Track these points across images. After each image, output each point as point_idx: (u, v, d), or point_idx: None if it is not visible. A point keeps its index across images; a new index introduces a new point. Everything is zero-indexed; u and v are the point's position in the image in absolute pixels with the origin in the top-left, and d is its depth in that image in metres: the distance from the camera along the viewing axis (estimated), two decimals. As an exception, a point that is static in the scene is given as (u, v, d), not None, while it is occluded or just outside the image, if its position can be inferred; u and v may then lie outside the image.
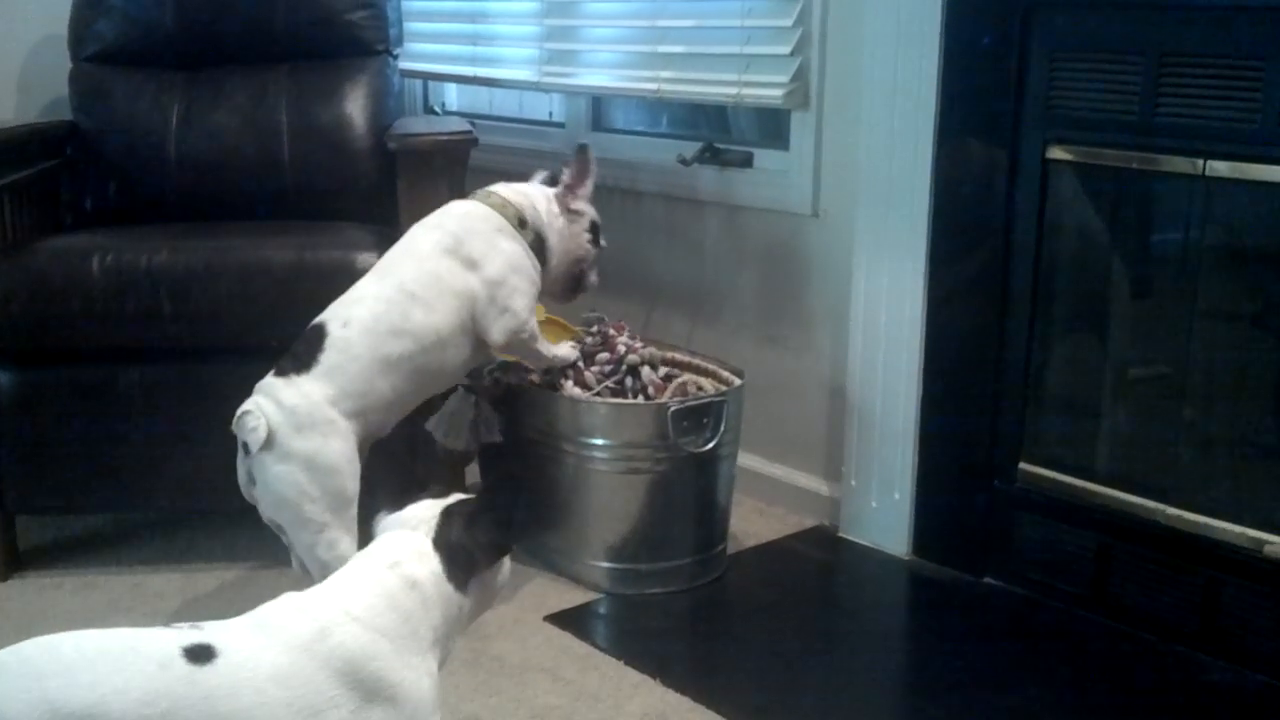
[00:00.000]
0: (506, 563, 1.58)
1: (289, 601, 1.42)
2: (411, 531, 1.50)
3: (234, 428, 2.02)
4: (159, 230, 2.57)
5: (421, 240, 2.21)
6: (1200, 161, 2.03)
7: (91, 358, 2.40)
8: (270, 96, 2.88)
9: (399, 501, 1.55)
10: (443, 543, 1.48)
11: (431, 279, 2.16)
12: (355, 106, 2.88)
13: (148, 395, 2.40)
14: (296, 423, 1.98)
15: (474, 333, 2.20)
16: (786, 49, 2.58)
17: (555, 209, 2.34)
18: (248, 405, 2.04)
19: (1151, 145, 2.09)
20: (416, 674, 1.41)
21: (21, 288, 2.36)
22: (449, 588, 1.47)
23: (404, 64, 3.32)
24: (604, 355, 2.47)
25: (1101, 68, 2.14)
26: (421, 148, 2.39)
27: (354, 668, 1.36)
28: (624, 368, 2.45)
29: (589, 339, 2.51)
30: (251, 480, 2.04)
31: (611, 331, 2.53)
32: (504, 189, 2.31)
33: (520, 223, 2.27)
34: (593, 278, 2.43)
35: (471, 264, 2.18)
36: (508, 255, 2.23)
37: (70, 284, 2.35)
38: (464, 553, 1.49)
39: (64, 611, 2.29)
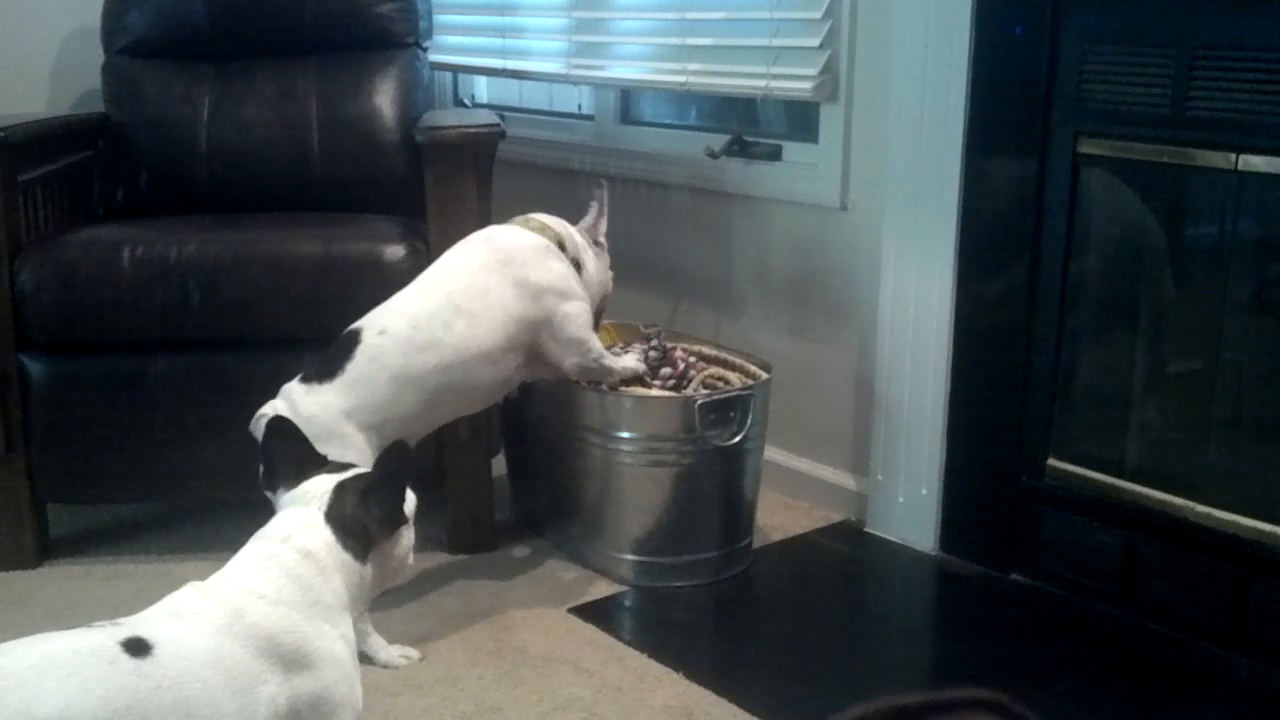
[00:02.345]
0: (406, 535, 1.63)
1: (195, 589, 1.46)
2: (304, 506, 1.55)
3: (251, 429, 2.04)
4: (189, 222, 2.58)
5: (472, 255, 2.22)
6: (1233, 156, 2.00)
7: (121, 348, 2.42)
8: (300, 89, 2.89)
9: (298, 478, 1.59)
10: (335, 515, 1.54)
11: (480, 293, 2.16)
12: (384, 99, 2.89)
13: (176, 385, 2.42)
14: (312, 433, 1.97)
15: (521, 350, 2.21)
16: (815, 41, 2.57)
17: (584, 240, 2.37)
18: (265, 408, 2.06)
19: (1183, 139, 2.06)
20: (329, 639, 1.48)
21: (52, 279, 2.38)
22: (347, 557, 1.54)
23: (434, 56, 3.33)
24: (667, 370, 2.47)
25: (1133, 60, 2.11)
26: (448, 140, 2.39)
27: (272, 643, 1.42)
28: (686, 383, 2.45)
29: (652, 353, 2.51)
30: None
31: (669, 345, 2.54)
32: (539, 216, 2.33)
33: (561, 246, 2.28)
34: (602, 312, 2.47)
35: (524, 284, 2.19)
36: (557, 278, 2.23)
37: (100, 275, 2.38)
38: (357, 525, 1.55)
39: (93, 599, 2.31)
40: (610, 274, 2.46)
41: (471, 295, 2.16)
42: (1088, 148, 2.21)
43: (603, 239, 2.43)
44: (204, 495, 2.55)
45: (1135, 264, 2.32)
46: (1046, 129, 2.24)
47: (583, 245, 2.36)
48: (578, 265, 2.31)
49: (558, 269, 2.24)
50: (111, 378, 2.43)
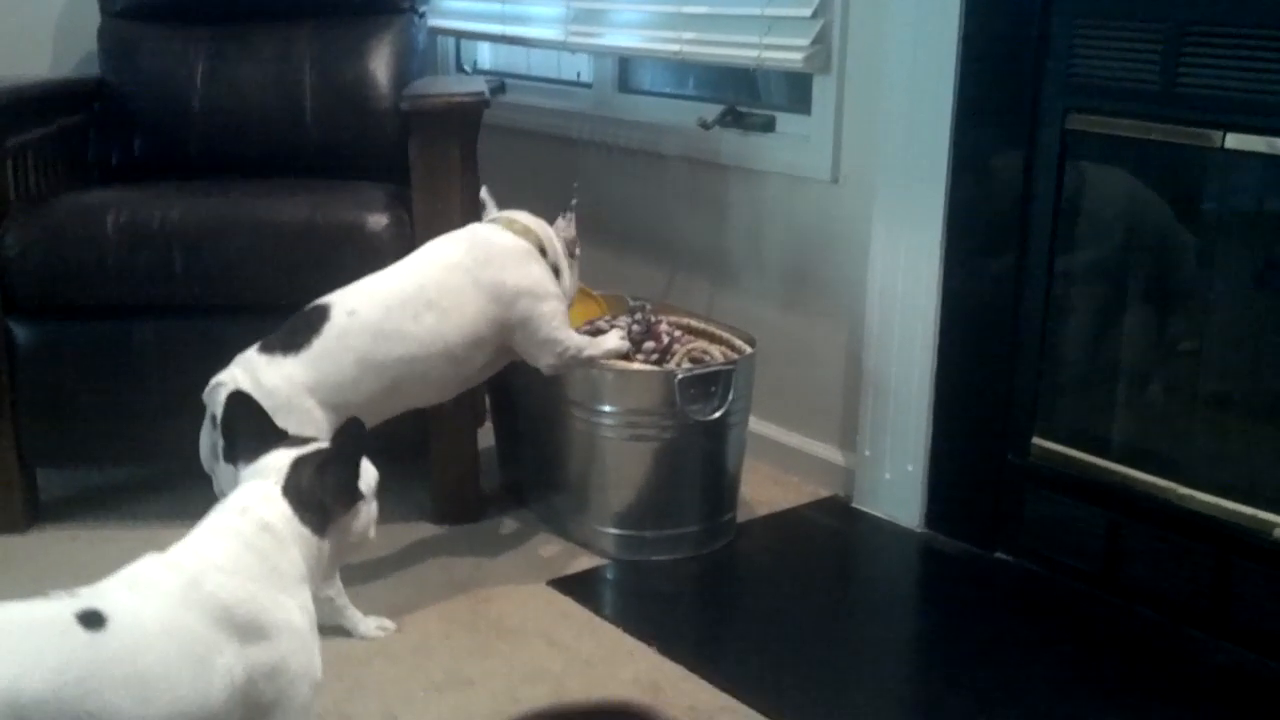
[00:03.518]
0: (365, 510, 1.63)
1: (153, 560, 1.46)
2: (262, 480, 1.56)
3: (205, 397, 2.02)
4: (176, 187, 2.58)
5: (451, 251, 2.20)
6: (1220, 134, 1.97)
7: (106, 313, 2.42)
8: (294, 53, 2.88)
9: (258, 451, 1.60)
10: (292, 488, 1.55)
11: (453, 290, 2.15)
12: (378, 64, 2.87)
13: (161, 351, 2.42)
14: (273, 405, 1.94)
15: (488, 349, 2.20)
16: (808, 11, 2.54)
17: (563, 248, 2.33)
18: (223, 376, 2.04)
19: (1171, 116, 2.03)
20: (287, 610, 1.48)
21: (38, 242, 2.39)
22: (305, 530, 1.54)
23: (434, 21, 3.32)
24: (650, 345, 2.45)
25: (1122, 35, 2.07)
26: (432, 108, 2.37)
27: (228, 613, 1.42)
28: (670, 356, 2.44)
29: (635, 326, 2.48)
30: (216, 455, 2.01)
31: (654, 319, 2.51)
32: (523, 217, 2.30)
33: (541, 251, 2.26)
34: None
35: (494, 291, 2.17)
36: (533, 282, 2.21)
37: (85, 240, 2.38)
38: (314, 499, 1.55)
39: (80, 563, 2.33)
40: (577, 286, 2.43)
41: (444, 291, 2.14)
42: (1077, 124, 2.17)
43: (577, 251, 2.39)
44: (189, 462, 2.55)
45: (1124, 242, 2.28)
46: (1036, 104, 2.21)
47: (562, 253, 2.32)
48: (556, 271, 2.28)
49: (536, 273, 2.22)
50: (97, 342, 2.44)
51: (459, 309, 2.14)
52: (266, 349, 2.07)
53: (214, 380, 2.04)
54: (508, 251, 2.21)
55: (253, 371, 2.03)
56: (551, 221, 2.34)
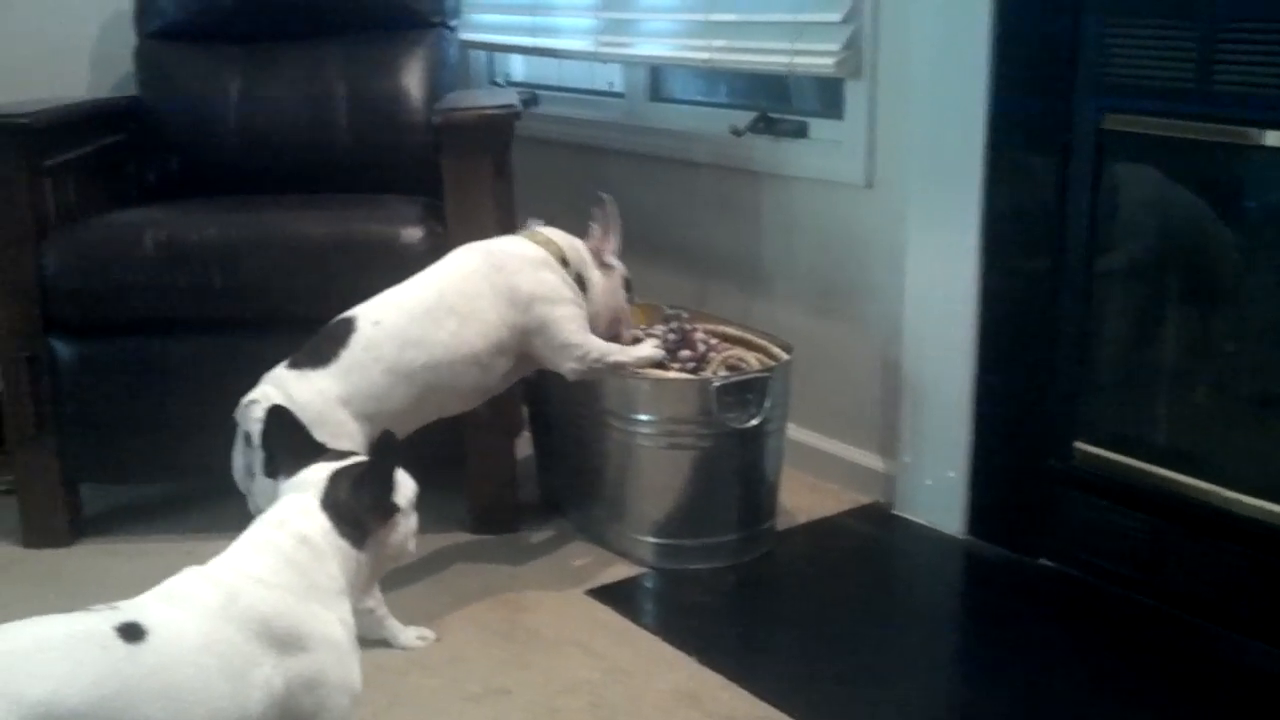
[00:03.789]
0: (404, 523, 1.63)
1: (193, 573, 1.47)
2: (301, 493, 1.56)
3: (237, 415, 2.03)
4: (212, 205, 2.61)
5: (467, 260, 2.23)
6: (1258, 131, 1.94)
7: (145, 330, 2.45)
8: (326, 69, 2.90)
9: (296, 465, 1.60)
10: (330, 502, 1.55)
11: (471, 295, 2.17)
12: (410, 79, 2.89)
13: (199, 367, 2.44)
14: (306, 420, 1.96)
15: (509, 356, 2.21)
16: (838, 16, 2.52)
17: (591, 259, 2.34)
18: (254, 395, 2.05)
19: (1207, 114, 2.00)
20: (325, 622, 1.49)
21: (78, 261, 2.42)
22: (343, 543, 1.55)
23: (466, 35, 3.33)
24: (686, 353, 2.45)
25: (1156, 34, 2.05)
26: (463, 122, 2.39)
27: (267, 626, 1.43)
28: (705, 364, 2.43)
29: (671, 335, 2.48)
30: (250, 474, 2.02)
31: (689, 327, 2.51)
32: (548, 230, 2.33)
33: (563, 261, 2.27)
34: (627, 334, 2.42)
35: (514, 291, 2.19)
36: (547, 287, 2.22)
37: (124, 258, 2.41)
38: (351, 512, 1.55)
39: (121, 577, 2.32)
40: (624, 293, 2.41)
41: (463, 297, 2.16)
42: (1112, 124, 2.15)
43: (610, 259, 2.38)
44: (229, 475, 2.57)
45: (1163, 243, 2.25)
46: (1070, 105, 2.18)
47: (589, 263, 2.33)
48: (582, 282, 2.30)
49: (549, 279, 2.23)
50: (136, 359, 2.46)
51: (479, 315, 2.16)
52: (295, 365, 2.08)
53: (245, 399, 2.05)
54: (521, 258, 2.23)
55: (284, 387, 2.05)
56: (585, 234, 2.35)
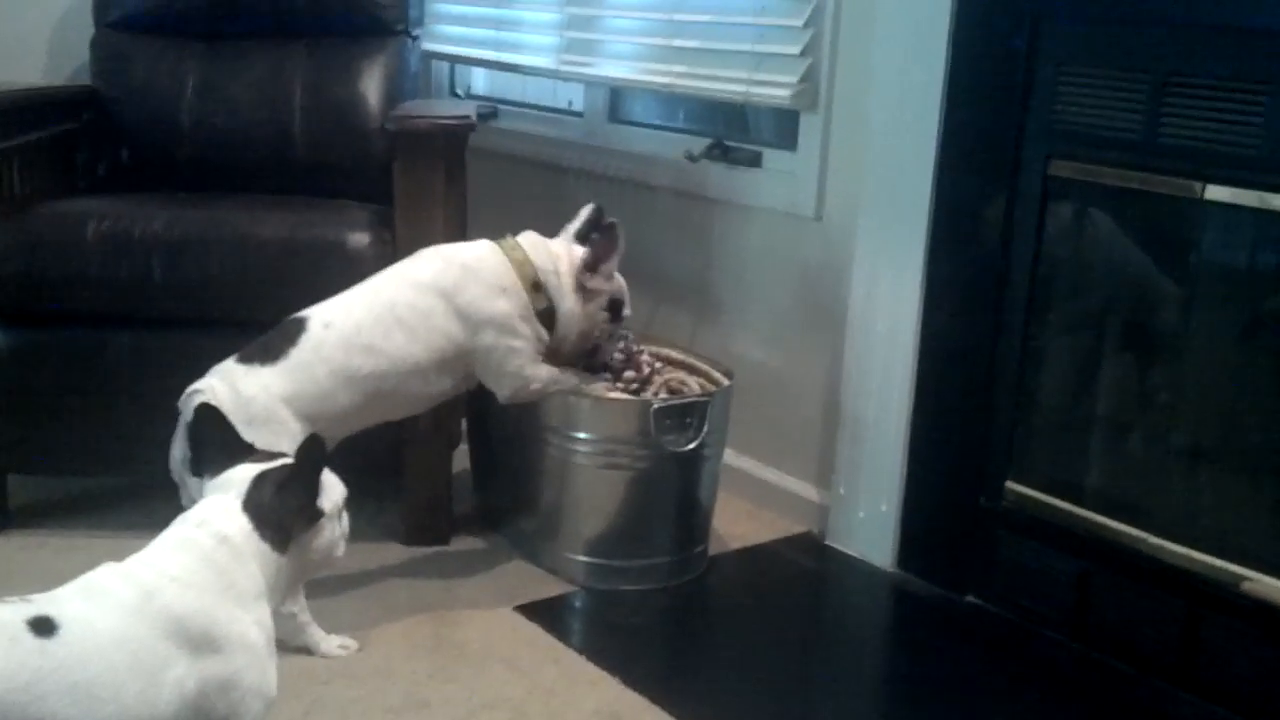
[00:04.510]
0: (328, 528, 1.62)
1: (110, 569, 1.46)
2: (224, 493, 1.55)
3: (180, 404, 2.02)
4: (160, 199, 2.58)
5: (424, 270, 2.20)
6: (1199, 185, 1.98)
7: (84, 321, 2.42)
8: (286, 71, 2.88)
9: (222, 465, 1.59)
10: (252, 504, 1.54)
11: (421, 313, 2.15)
12: (369, 85, 2.88)
13: (137, 362, 2.42)
14: (249, 414, 1.96)
15: (453, 372, 2.20)
16: (796, 49, 2.55)
17: (571, 282, 2.25)
18: (200, 385, 2.05)
19: (1152, 165, 2.04)
20: (242, 625, 1.47)
21: (18, 248, 2.38)
22: (264, 546, 1.53)
23: (429, 45, 3.33)
24: (630, 374, 2.43)
25: (1106, 84, 2.08)
26: (417, 130, 2.38)
27: (181, 625, 1.42)
28: (648, 386, 2.42)
29: (617, 355, 2.44)
30: (186, 465, 2.00)
31: (636, 348, 2.49)
32: (532, 245, 2.26)
33: (535, 286, 2.22)
34: (609, 353, 2.38)
35: (463, 316, 2.17)
36: (500, 316, 2.19)
37: (64, 248, 2.38)
38: (273, 514, 1.54)
39: (46, 570, 2.26)
40: (604, 316, 2.31)
41: (414, 311, 2.15)
42: (1058, 169, 2.18)
43: (598, 283, 2.27)
44: (160, 473, 2.54)
45: (1104, 290, 2.28)
46: (1019, 148, 2.22)
47: (566, 288, 2.25)
48: (552, 312, 2.24)
49: (503, 309, 2.19)
50: (73, 351, 2.43)
51: (426, 331, 2.15)
52: (245, 359, 2.08)
53: (190, 388, 2.04)
54: (481, 281, 2.19)
55: (231, 381, 2.04)
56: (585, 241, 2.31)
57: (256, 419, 1.96)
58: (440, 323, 2.16)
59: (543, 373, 2.24)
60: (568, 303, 2.26)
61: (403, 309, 2.15)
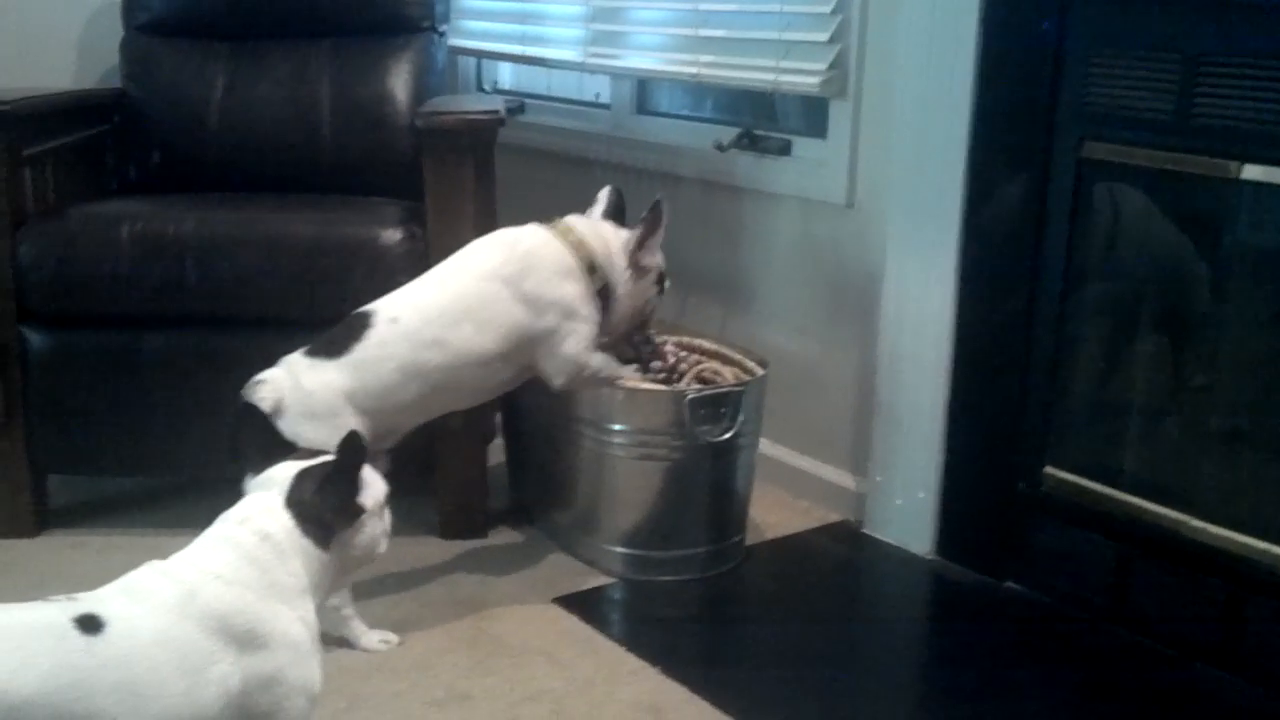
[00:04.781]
0: (370, 524, 1.61)
1: (153, 568, 1.46)
2: (266, 491, 1.55)
3: (243, 392, 2.03)
4: (191, 200, 2.60)
5: (487, 259, 2.19)
6: (1235, 165, 1.96)
7: (118, 323, 2.43)
8: (312, 70, 2.90)
9: (264, 463, 1.60)
10: (295, 501, 1.54)
11: (486, 302, 2.15)
12: (396, 83, 2.89)
13: (171, 362, 2.43)
14: (310, 408, 1.96)
15: (516, 361, 2.20)
16: (824, 36, 2.54)
17: (625, 263, 2.26)
18: (265, 375, 2.06)
19: (1185, 146, 2.02)
20: (285, 620, 1.47)
21: (53, 251, 2.40)
22: (307, 542, 1.53)
23: (455, 41, 3.33)
24: (657, 364, 2.44)
25: (1138, 64, 2.07)
26: (445, 126, 2.38)
27: (225, 623, 1.42)
28: (676, 376, 2.43)
29: (644, 347, 2.44)
30: None
31: (659, 339, 2.49)
32: (582, 227, 2.26)
33: (590, 268, 2.23)
34: (651, 318, 2.40)
35: (528, 301, 2.16)
36: (567, 299, 2.19)
37: (99, 250, 2.39)
38: (315, 511, 1.54)
39: (85, 570, 2.30)
40: (654, 290, 2.34)
41: (480, 301, 2.14)
42: (1092, 152, 2.16)
43: (648, 259, 2.28)
44: (197, 472, 2.56)
45: (1138, 272, 2.27)
46: (1051, 132, 2.20)
47: (620, 266, 2.26)
48: (608, 291, 2.25)
49: (570, 291, 2.19)
50: (108, 352, 2.45)
51: (492, 320, 2.14)
52: (312, 353, 2.08)
53: (256, 377, 2.05)
54: (546, 266, 2.19)
55: (294, 374, 2.05)
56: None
57: (318, 413, 1.98)
58: (506, 310, 2.15)
59: (596, 359, 2.25)
60: (622, 280, 2.27)
61: (470, 299, 2.14)
